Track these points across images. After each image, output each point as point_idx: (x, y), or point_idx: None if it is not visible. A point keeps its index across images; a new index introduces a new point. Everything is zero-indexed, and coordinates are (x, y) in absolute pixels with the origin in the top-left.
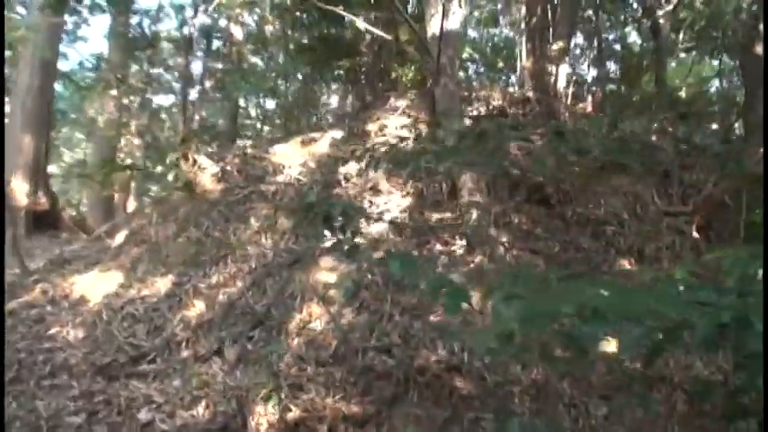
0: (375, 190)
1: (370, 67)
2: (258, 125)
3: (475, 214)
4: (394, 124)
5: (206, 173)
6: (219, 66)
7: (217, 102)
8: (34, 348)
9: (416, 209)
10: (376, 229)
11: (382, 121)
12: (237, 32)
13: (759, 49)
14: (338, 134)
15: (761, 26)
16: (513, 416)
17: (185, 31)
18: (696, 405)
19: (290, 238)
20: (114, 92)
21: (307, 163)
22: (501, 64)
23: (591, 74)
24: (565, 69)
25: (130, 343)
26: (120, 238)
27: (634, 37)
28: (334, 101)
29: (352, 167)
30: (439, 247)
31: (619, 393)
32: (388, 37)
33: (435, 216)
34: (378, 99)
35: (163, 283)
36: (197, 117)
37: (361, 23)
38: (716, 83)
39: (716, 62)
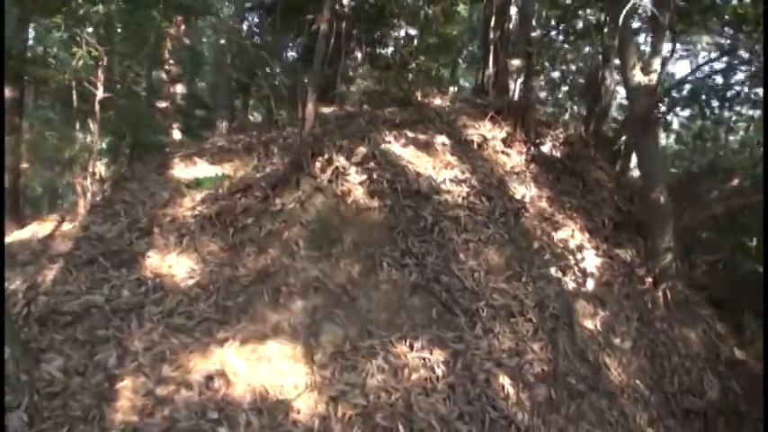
0: (552, 222)
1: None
2: None
3: (669, 257)
4: (491, 135)
5: (350, 181)
6: None
7: None
8: None
9: (603, 244)
10: (588, 265)
11: (475, 129)
12: None
13: None
14: (443, 139)
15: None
16: None
17: None
18: None
19: (532, 279)
20: None
21: (468, 178)
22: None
23: None
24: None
25: None
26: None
27: None
28: None
29: (520, 191)
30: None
31: None
32: None
33: (618, 251)
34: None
35: (413, 357)
36: None
37: None
38: None
39: None
